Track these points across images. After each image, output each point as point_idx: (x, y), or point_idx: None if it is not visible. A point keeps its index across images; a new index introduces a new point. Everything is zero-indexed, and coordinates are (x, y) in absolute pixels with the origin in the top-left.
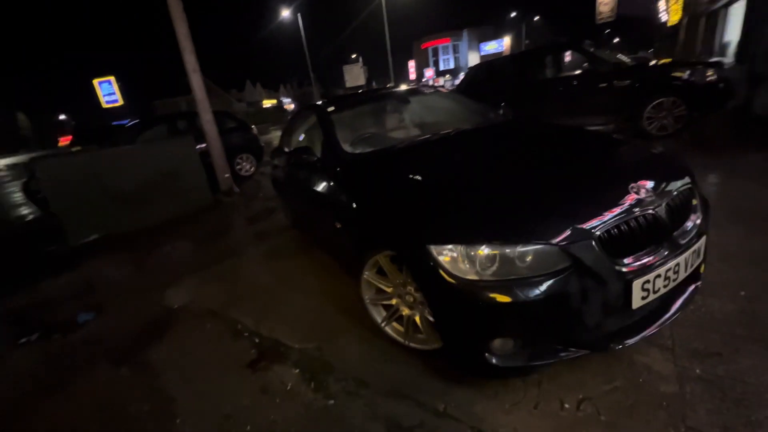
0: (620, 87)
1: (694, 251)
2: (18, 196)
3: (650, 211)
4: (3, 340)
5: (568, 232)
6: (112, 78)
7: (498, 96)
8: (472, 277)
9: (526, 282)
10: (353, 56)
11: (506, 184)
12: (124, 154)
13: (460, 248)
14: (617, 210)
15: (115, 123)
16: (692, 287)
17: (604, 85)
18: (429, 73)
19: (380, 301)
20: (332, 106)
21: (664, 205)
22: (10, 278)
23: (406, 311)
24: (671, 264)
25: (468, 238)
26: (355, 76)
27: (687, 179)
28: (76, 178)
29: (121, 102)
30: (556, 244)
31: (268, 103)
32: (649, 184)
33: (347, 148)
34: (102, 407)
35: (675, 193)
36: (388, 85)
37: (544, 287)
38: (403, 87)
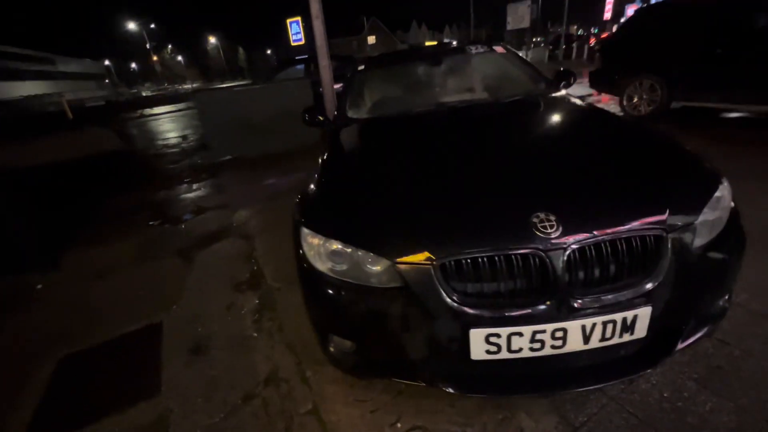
0: None
1: (608, 322)
2: None
3: (538, 252)
4: (141, 220)
5: (405, 250)
6: (299, 18)
7: (663, 57)
8: (323, 268)
9: (361, 290)
10: None
11: (411, 181)
12: (255, 91)
13: (323, 239)
14: (487, 240)
15: (297, 57)
16: (636, 373)
17: None
18: (632, 10)
19: None
20: (363, 65)
21: (570, 249)
22: (169, 178)
23: None
24: (548, 326)
25: (328, 231)
26: (519, 17)
27: (659, 221)
28: (220, 108)
29: (304, 41)
30: (391, 260)
31: (430, 45)
32: (570, 216)
33: (357, 111)
34: (151, 281)
35: (609, 238)
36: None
37: (369, 301)
38: (455, 44)
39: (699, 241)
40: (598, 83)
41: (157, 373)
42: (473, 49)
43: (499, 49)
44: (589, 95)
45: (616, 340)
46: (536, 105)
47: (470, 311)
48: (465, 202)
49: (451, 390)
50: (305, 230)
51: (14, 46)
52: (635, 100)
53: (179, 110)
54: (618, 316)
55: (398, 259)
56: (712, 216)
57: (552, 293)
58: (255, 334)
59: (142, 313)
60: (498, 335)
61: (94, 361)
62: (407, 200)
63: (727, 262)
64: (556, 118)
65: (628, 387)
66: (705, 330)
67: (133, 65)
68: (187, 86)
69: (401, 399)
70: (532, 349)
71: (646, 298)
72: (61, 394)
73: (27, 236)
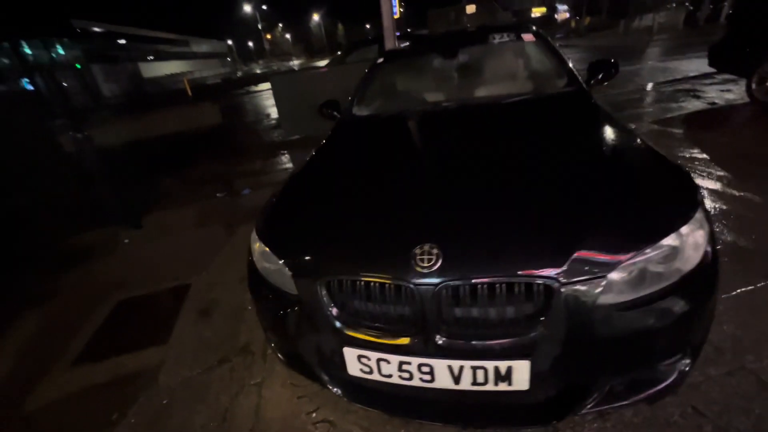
0: None
1: (478, 368)
2: None
3: (408, 285)
4: (211, 191)
5: (302, 263)
6: None
7: None
8: (259, 266)
9: (277, 292)
10: None
11: (345, 195)
12: (322, 74)
13: (259, 239)
14: (366, 265)
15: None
16: (521, 426)
17: None
18: None
19: None
20: (383, 58)
21: (441, 287)
22: (244, 153)
23: None
24: (414, 360)
25: (263, 234)
26: None
27: (551, 272)
28: (291, 90)
29: (398, 15)
30: (291, 270)
31: (537, 12)
32: (452, 253)
33: (360, 108)
34: (198, 246)
35: (487, 281)
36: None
37: (280, 303)
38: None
39: (615, 298)
40: (719, 60)
41: (171, 325)
42: (496, 38)
43: (527, 37)
44: (711, 74)
45: (491, 387)
46: (530, 108)
47: (345, 330)
48: (371, 221)
49: (339, 393)
50: (253, 234)
51: (160, 30)
52: None
53: None
54: (489, 364)
55: (296, 270)
56: (654, 267)
57: (418, 328)
58: (249, 308)
59: (181, 273)
60: (368, 358)
61: (136, 308)
62: (329, 214)
63: (668, 324)
64: (533, 125)
65: None
66: (639, 396)
67: (250, 44)
68: (293, 63)
69: (326, 392)
70: (402, 378)
71: (524, 352)
72: (108, 330)
73: (128, 198)
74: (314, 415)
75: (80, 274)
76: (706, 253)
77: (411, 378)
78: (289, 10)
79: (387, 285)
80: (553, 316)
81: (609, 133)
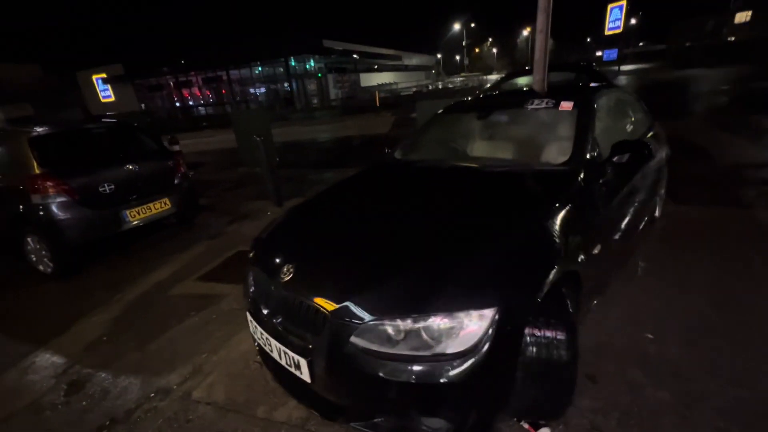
0: None
1: (284, 352)
2: None
3: (270, 284)
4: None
5: (251, 254)
6: (624, 2)
7: None
8: None
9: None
10: None
11: (309, 222)
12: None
13: None
14: (265, 265)
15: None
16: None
17: None
18: None
19: None
20: (443, 109)
21: (281, 291)
22: None
23: None
24: (264, 332)
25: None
26: None
27: (323, 306)
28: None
29: (621, 29)
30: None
31: None
32: (300, 276)
33: (399, 153)
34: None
35: (300, 299)
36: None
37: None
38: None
39: (365, 344)
40: None
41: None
42: (532, 104)
43: (565, 105)
44: None
45: (294, 372)
46: (498, 180)
47: (248, 300)
48: (292, 243)
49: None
50: None
51: (383, 47)
52: None
53: None
54: (290, 353)
55: (250, 259)
56: (412, 336)
57: (267, 313)
58: None
59: None
60: (252, 323)
61: (242, 257)
62: (283, 233)
63: (412, 385)
64: (475, 197)
65: None
66: None
67: (457, 57)
68: (492, 77)
69: None
70: (263, 343)
71: (303, 352)
72: (222, 266)
73: (281, 185)
74: (258, 357)
75: (235, 227)
76: (476, 347)
77: (266, 345)
78: (499, 24)
79: (268, 282)
80: (323, 336)
81: (515, 218)
